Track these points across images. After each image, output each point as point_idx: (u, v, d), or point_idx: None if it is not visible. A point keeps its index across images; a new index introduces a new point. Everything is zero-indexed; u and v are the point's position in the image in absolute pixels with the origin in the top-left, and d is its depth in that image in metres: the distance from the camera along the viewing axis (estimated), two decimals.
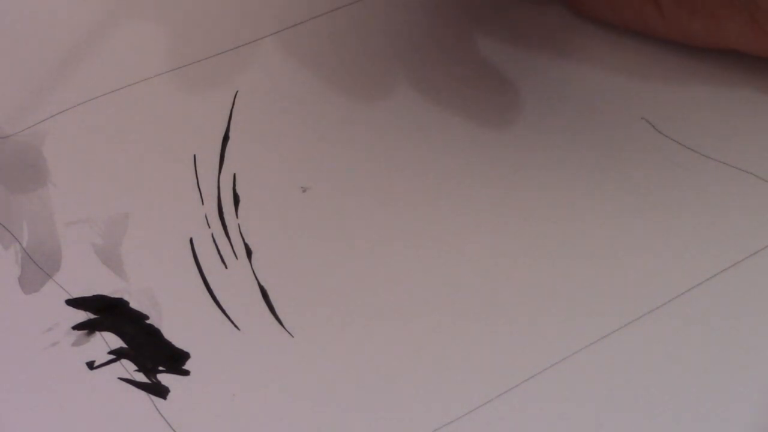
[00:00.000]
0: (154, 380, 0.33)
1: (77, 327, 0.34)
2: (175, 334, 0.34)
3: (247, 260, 0.36)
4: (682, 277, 0.35)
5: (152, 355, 0.33)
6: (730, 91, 0.40)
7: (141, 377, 0.33)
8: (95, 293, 0.35)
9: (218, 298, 0.35)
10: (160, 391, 0.33)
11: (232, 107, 0.40)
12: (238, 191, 0.37)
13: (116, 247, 0.36)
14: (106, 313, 0.34)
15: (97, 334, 0.34)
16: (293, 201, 0.37)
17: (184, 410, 0.32)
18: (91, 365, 0.33)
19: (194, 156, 0.38)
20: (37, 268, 0.35)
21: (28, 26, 0.42)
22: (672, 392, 0.32)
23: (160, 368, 0.33)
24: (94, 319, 0.34)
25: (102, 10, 0.43)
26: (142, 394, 0.33)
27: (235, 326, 0.34)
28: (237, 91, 0.40)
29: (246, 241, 0.36)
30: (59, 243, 0.36)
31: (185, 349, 0.33)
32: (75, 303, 0.35)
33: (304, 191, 0.37)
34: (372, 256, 0.36)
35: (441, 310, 0.34)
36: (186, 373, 0.33)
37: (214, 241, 0.36)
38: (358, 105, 0.40)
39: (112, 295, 0.35)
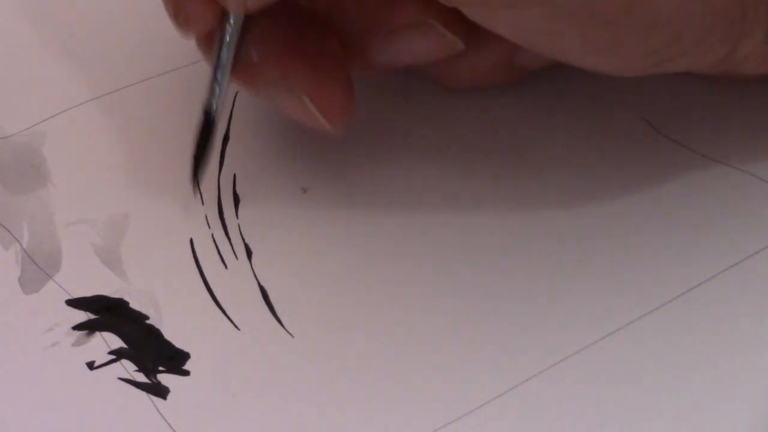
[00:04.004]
0: (154, 380, 0.33)
1: (77, 327, 0.34)
2: (175, 334, 0.34)
3: (247, 260, 0.36)
4: (682, 277, 0.35)
5: (152, 355, 0.33)
6: (730, 91, 0.40)
7: (141, 377, 0.33)
8: (95, 293, 0.35)
9: (218, 298, 0.35)
10: (160, 391, 0.33)
11: (232, 107, 0.40)
12: (238, 191, 0.37)
13: (116, 247, 0.36)
14: (106, 313, 0.34)
15: (97, 334, 0.34)
16: (293, 201, 0.37)
17: (184, 410, 0.32)
18: (91, 365, 0.33)
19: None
20: (37, 268, 0.35)
21: (28, 26, 0.42)
22: (672, 392, 0.32)
23: (160, 368, 0.33)
24: (94, 319, 0.34)
25: (102, 10, 0.43)
26: (142, 394, 0.33)
27: (235, 326, 0.34)
28: (237, 92, 0.40)
29: (246, 241, 0.36)
30: (59, 243, 0.36)
31: (185, 349, 0.33)
32: (75, 303, 0.35)
33: (304, 191, 0.37)
34: (372, 256, 0.36)
35: (441, 310, 0.34)
36: (186, 373, 0.33)
37: (214, 241, 0.36)
38: (360, 104, 0.40)
39: (112, 296, 0.35)
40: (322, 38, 0.36)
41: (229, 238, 0.36)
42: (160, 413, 0.32)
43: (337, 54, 0.36)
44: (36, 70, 0.41)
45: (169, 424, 0.32)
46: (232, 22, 0.34)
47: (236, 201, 0.37)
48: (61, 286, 0.35)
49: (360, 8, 0.36)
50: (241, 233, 0.36)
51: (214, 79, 0.35)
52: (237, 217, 0.37)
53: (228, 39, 0.34)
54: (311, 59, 0.35)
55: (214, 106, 0.35)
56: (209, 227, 0.37)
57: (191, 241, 0.36)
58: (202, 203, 0.37)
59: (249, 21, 0.34)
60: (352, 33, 0.36)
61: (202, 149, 0.36)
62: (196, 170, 0.36)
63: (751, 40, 0.34)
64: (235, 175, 0.38)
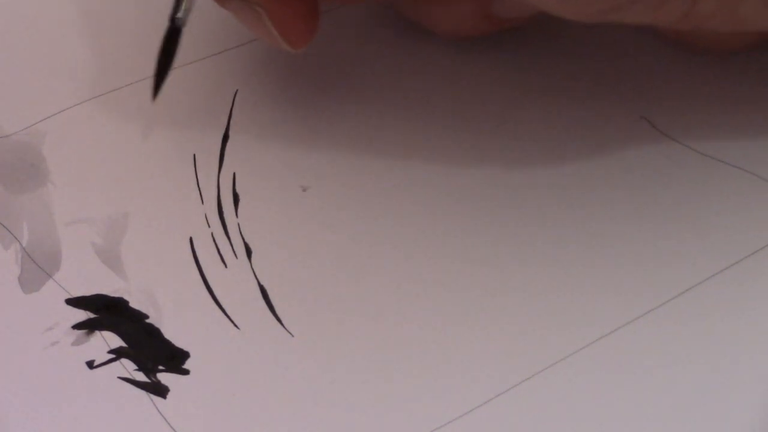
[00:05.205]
0: (154, 380, 0.33)
1: (77, 326, 0.34)
2: (175, 333, 0.34)
3: (247, 260, 0.36)
4: (682, 277, 0.35)
5: (152, 354, 0.33)
6: (730, 91, 0.40)
7: (141, 377, 0.33)
8: (95, 293, 0.35)
9: (218, 297, 0.35)
10: (160, 391, 0.33)
11: (232, 107, 0.40)
12: (238, 191, 0.37)
13: (116, 247, 0.36)
14: (106, 312, 0.34)
15: (97, 333, 0.34)
16: (293, 201, 0.37)
17: (184, 410, 0.32)
18: (91, 365, 0.33)
19: (194, 156, 0.38)
20: (37, 267, 0.35)
21: (28, 26, 0.42)
22: (672, 392, 0.32)
23: (160, 367, 0.33)
24: (94, 318, 0.34)
25: (102, 10, 0.43)
26: (142, 393, 0.33)
27: (235, 326, 0.34)
28: (237, 91, 0.40)
29: (246, 240, 0.36)
30: (59, 243, 0.36)
31: (185, 349, 0.33)
32: (75, 302, 0.35)
33: (304, 191, 0.37)
34: (372, 255, 0.36)
35: (441, 310, 0.34)
36: (186, 372, 0.33)
37: (214, 240, 0.36)
38: (359, 103, 0.40)
39: (112, 295, 0.35)
40: None
41: (228, 238, 0.36)
42: (160, 413, 0.32)
43: None
44: (36, 69, 0.41)
45: (169, 424, 0.32)
46: None
47: (236, 200, 0.37)
48: (61, 286, 0.35)
49: None
50: (240, 232, 0.36)
51: None
52: (237, 217, 0.37)
53: None
54: None
55: (181, 15, 0.36)
56: (209, 226, 0.37)
57: (191, 240, 0.36)
58: (202, 202, 0.37)
59: None
60: None
61: (167, 57, 0.37)
62: (159, 77, 0.37)
63: None
64: (234, 175, 0.38)
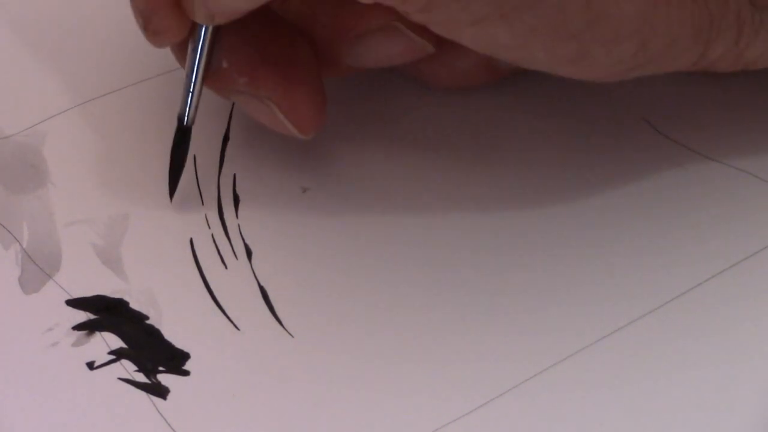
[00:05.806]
0: (154, 380, 0.33)
1: (77, 327, 0.34)
2: (175, 334, 0.34)
3: (247, 260, 0.36)
4: (682, 277, 0.35)
5: (152, 355, 0.33)
6: (730, 91, 0.40)
7: (141, 377, 0.33)
8: (95, 293, 0.35)
9: (218, 298, 0.35)
10: (160, 391, 0.33)
11: (232, 107, 0.40)
12: (238, 191, 0.37)
13: (116, 248, 0.36)
14: (106, 313, 0.34)
15: (97, 334, 0.34)
16: (293, 201, 0.37)
17: (184, 410, 0.32)
18: (91, 365, 0.33)
19: (194, 157, 0.38)
20: (38, 268, 0.35)
21: (28, 26, 0.42)
22: (672, 392, 0.32)
23: (160, 368, 0.33)
24: (94, 319, 0.34)
25: (102, 10, 0.43)
26: (142, 394, 0.33)
27: (235, 326, 0.34)
28: None
29: (246, 241, 0.36)
30: (59, 243, 0.36)
31: (185, 349, 0.33)
32: (75, 303, 0.35)
33: (304, 191, 0.37)
34: (372, 256, 0.36)
35: (441, 310, 0.34)
36: (186, 373, 0.33)
37: (215, 241, 0.36)
38: (359, 104, 0.40)
39: (112, 296, 0.35)
40: (293, 46, 0.36)
41: (229, 238, 0.36)
42: (160, 413, 0.32)
43: (308, 62, 0.36)
44: (36, 70, 0.41)
45: (169, 424, 0.32)
46: (202, 32, 0.34)
47: (236, 201, 0.37)
48: (61, 286, 0.35)
49: (330, 14, 0.36)
50: (241, 233, 0.36)
51: (187, 86, 0.35)
52: (237, 217, 0.37)
53: (199, 48, 0.35)
54: (281, 68, 0.35)
55: (188, 113, 0.36)
56: (209, 227, 0.37)
57: (191, 241, 0.36)
58: (202, 203, 0.37)
59: (220, 29, 0.34)
60: (323, 39, 0.36)
61: (179, 156, 0.36)
62: (174, 177, 0.37)
63: (721, 43, 0.34)
64: (235, 175, 0.38)
